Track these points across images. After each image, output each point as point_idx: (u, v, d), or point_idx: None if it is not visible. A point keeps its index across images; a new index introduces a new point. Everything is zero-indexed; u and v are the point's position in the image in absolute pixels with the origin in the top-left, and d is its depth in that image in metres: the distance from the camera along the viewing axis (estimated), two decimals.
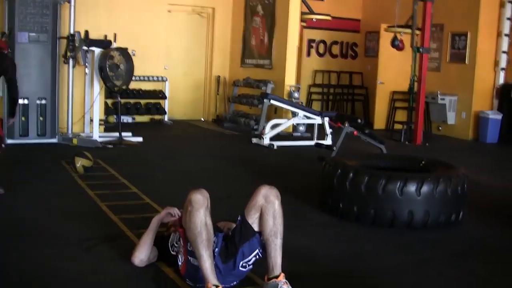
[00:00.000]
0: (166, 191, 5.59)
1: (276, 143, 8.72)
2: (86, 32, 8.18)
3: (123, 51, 8.37)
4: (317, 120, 9.33)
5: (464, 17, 10.53)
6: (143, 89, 11.04)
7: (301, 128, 10.03)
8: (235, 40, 11.91)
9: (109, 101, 10.23)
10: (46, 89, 8.06)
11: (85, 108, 8.66)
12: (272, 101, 9.47)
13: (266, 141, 8.77)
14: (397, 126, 10.99)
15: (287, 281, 3.13)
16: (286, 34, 10.33)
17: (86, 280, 3.34)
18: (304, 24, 11.35)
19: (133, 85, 10.30)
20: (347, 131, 7.73)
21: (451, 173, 4.80)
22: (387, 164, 5.32)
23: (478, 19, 10.27)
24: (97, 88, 8.39)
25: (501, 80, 10.57)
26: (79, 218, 4.57)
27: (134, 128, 9.47)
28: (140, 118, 10.99)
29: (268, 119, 9.68)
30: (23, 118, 7.93)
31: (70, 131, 8.36)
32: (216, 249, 3.22)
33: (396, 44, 10.56)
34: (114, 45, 8.73)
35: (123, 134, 8.45)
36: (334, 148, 7.62)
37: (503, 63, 10.52)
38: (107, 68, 8.08)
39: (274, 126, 9.09)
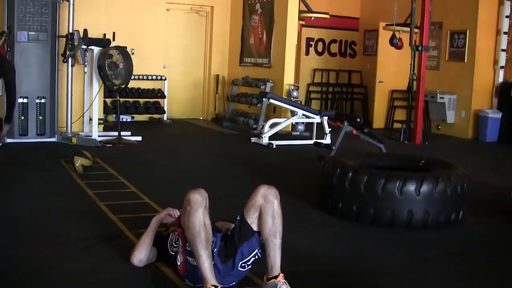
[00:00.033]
0: (165, 190, 5.58)
1: (275, 142, 8.71)
2: (85, 31, 8.16)
3: (122, 50, 8.36)
4: (316, 119, 9.33)
5: (463, 15, 10.52)
6: (142, 88, 11.04)
7: (300, 127, 10.03)
8: (233, 38, 11.90)
9: (108, 100, 10.23)
10: (45, 88, 8.06)
11: (84, 107, 8.65)
12: (271, 100, 9.46)
13: (265, 140, 8.77)
14: (396, 125, 10.98)
15: (286, 281, 3.13)
16: (284, 33, 10.32)
17: (85, 280, 3.34)
18: (302, 22, 11.33)
19: (132, 84, 10.30)
20: (346, 130, 7.73)
21: (451, 172, 4.80)
22: (387, 163, 5.31)
23: (477, 17, 10.26)
24: (96, 87, 8.38)
25: (500, 78, 10.56)
26: (79, 218, 4.56)
27: (133, 127, 9.46)
28: (139, 117, 10.99)
29: (267, 118, 9.69)
30: (22, 117, 7.93)
31: (69, 130, 8.35)
32: (215, 249, 3.22)
33: (395, 43, 10.56)
34: (113, 44, 8.73)
35: (122, 133, 8.44)
36: (333, 147, 7.62)
37: (502, 61, 10.51)
38: (106, 67, 8.07)
39: (273, 125, 9.09)
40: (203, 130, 10.71)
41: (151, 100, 11.14)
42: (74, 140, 8.04)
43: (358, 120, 8.03)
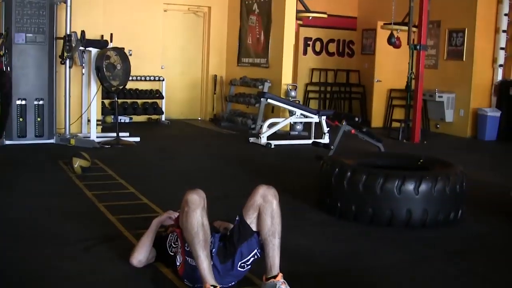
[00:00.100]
0: (164, 191, 5.58)
1: (274, 142, 8.71)
2: (83, 33, 8.15)
3: (120, 51, 8.36)
4: (314, 118, 9.33)
5: (461, 14, 10.52)
6: (140, 89, 11.04)
7: (299, 127, 10.03)
8: (231, 39, 11.90)
9: (106, 101, 10.23)
10: (43, 90, 8.05)
11: (82, 108, 8.64)
12: (269, 100, 9.46)
13: (263, 140, 8.77)
14: (395, 124, 10.98)
15: (285, 281, 3.12)
16: (282, 33, 10.32)
17: (85, 280, 3.33)
18: (300, 22, 11.33)
19: (130, 85, 10.29)
20: (345, 130, 7.73)
21: (450, 171, 4.79)
22: (385, 162, 5.30)
23: (476, 15, 10.26)
24: (94, 88, 8.38)
25: (499, 77, 10.57)
26: (77, 219, 4.56)
27: (132, 128, 9.46)
28: (137, 118, 10.98)
29: (265, 118, 9.68)
30: (21, 119, 7.93)
31: (67, 132, 8.34)
32: (214, 249, 3.22)
33: (393, 42, 10.56)
34: (111, 45, 8.72)
35: (121, 134, 8.44)
36: (332, 146, 7.62)
37: (501, 59, 10.51)
38: (104, 68, 8.07)
39: (271, 125, 9.08)
40: (201, 130, 10.70)
41: (149, 101, 11.13)
42: (72, 142, 8.04)
43: (357, 119, 8.02)
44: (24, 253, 3.63)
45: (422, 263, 3.93)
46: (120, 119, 9.89)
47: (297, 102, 10.30)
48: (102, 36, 8.92)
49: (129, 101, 10.90)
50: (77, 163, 6.18)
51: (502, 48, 10.48)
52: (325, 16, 11.04)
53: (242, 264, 3.26)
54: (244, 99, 10.90)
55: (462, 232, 4.66)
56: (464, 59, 10.51)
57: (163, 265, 3.53)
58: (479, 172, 6.84)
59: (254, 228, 3.27)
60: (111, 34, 9.16)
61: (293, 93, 10.21)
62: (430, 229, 4.58)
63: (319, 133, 9.17)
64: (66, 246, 3.85)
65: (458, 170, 4.84)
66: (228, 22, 11.95)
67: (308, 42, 12.70)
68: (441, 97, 10.61)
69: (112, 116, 9.68)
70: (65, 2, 8.16)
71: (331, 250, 4.14)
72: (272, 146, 8.62)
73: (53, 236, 4.09)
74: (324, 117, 9.20)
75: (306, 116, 9.43)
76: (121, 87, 8.44)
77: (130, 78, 8.70)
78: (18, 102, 7.84)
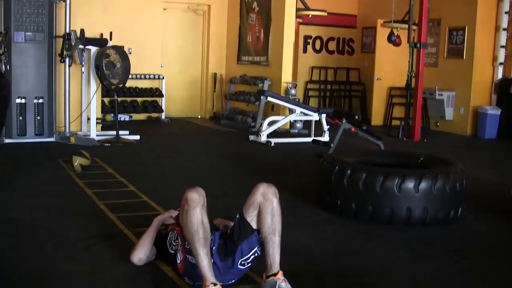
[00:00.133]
0: (164, 189, 5.58)
1: (274, 140, 8.71)
2: (82, 31, 8.15)
3: (119, 50, 8.35)
4: (314, 116, 9.33)
5: (461, 12, 10.51)
6: (140, 87, 11.03)
7: (299, 125, 10.02)
8: (231, 37, 11.89)
9: (106, 100, 10.23)
10: (43, 88, 8.04)
11: (82, 106, 8.64)
12: (269, 98, 9.46)
13: (263, 138, 8.76)
14: (395, 122, 10.99)
15: (285, 279, 3.12)
16: (282, 31, 10.31)
17: (85, 280, 3.32)
18: (300, 20, 11.32)
19: (130, 83, 10.28)
20: (345, 128, 7.72)
21: (450, 169, 4.79)
22: (385, 160, 5.30)
23: (476, 13, 10.25)
24: (94, 86, 8.38)
25: (499, 75, 10.56)
26: (78, 217, 4.56)
27: (131, 126, 9.45)
28: (137, 116, 10.98)
29: (265, 116, 9.68)
30: (20, 118, 7.92)
31: (67, 130, 8.34)
32: (214, 247, 3.21)
33: (393, 40, 10.55)
34: (110, 43, 8.71)
35: (120, 132, 8.43)
36: (332, 144, 7.62)
37: (501, 57, 10.50)
38: (104, 67, 8.07)
39: (271, 123, 9.08)
40: (201, 128, 10.70)
41: (149, 99, 11.13)
42: (72, 140, 8.03)
43: (357, 117, 8.02)
44: (25, 253, 3.61)
45: (422, 261, 3.93)
46: (120, 118, 9.89)
47: (297, 100, 10.29)
48: (101, 34, 8.91)
49: (129, 99, 10.90)
50: (77, 161, 6.17)
51: (502, 46, 10.47)
52: (325, 14, 11.03)
53: (243, 262, 3.26)
54: (244, 97, 10.89)
55: (462, 230, 4.66)
56: (464, 57, 10.50)
57: (163, 263, 3.53)
58: (479, 170, 6.84)
59: (254, 226, 3.27)
60: (111, 33, 9.14)
61: (293, 91, 10.21)
62: (430, 227, 4.58)
63: (319, 131, 9.16)
64: (66, 246, 3.84)
65: (458, 168, 4.84)
66: (228, 20, 11.94)
67: (308, 40, 12.69)
68: (441, 95, 10.60)
69: (112, 115, 9.67)
70: (65, 1, 8.15)
71: (331, 248, 4.14)
72: (272, 144, 8.61)
73: (53, 236, 4.08)
74: (324, 115, 9.19)
75: (306, 114, 9.42)
76: (120, 86, 8.44)
77: (130, 77, 8.70)
78: (18, 100, 7.83)
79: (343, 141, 7.69)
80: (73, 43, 8.15)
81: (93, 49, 8.31)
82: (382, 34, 11.20)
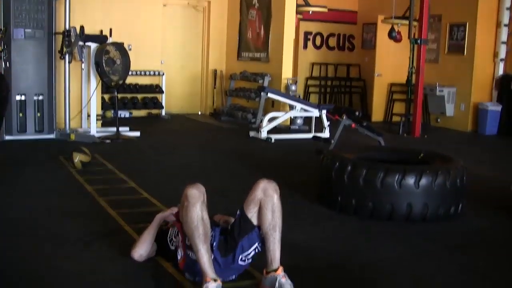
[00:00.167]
0: (164, 185, 5.57)
1: (274, 137, 8.70)
2: (82, 28, 8.14)
3: (119, 46, 8.34)
4: (314, 113, 9.32)
5: (462, 8, 10.49)
6: (140, 83, 11.02)
7: (299, 121, 10.02)
8: (231, 33, 11.87)
9: (106, 96, 10.22)
10: (43, 85, 8.04)
11: (82, 103, 8.63)
12: (270, 95, 9.45)
13: (263, 134, 8.76)
14: (395, 118, 10.97)
15: (285, 275, 3.12)
16: (282, 27, 10.29)
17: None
18: (300, 16, 11.31)
19: (130, 79, 10.28)
20: (345, 124, 7.72)
21: (450, 165, 4.79)
22: (386, 156, 5.29)
23: (477, 9, 10.23)
24: (94, 83, 8.37)
25: (500, 71, 10.54)
26: (78, 213, 4.57)
27: (132, 123, 9.44)
28: (137, 113, 10.97)
29: (265, 112, 9.67)
30: (20, 114, 7.92)
31: (67, 127, 8.34)
32: (214, 243, 3.22)
33: (394, 36, 10.54)
34: (110, 40, 8.70)
35: (121, 129, 8.43)
36: (332, 141, 7.61)
37: (502, 54, 10.48)
38: (104, 63, 8.06)
39: (272, 120, 9.07)
40: (202, 125, 10.69)
41: (149, 95, 11.12)
42: (72, 137, 8.03)
43: (357, 113, 8.01)
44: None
45: (423, 257, 3.93)
46: (120, 114, 9.88)
47: (298, 96, 10.28)
48: (101, 31, 8.91)
49: (129, 95, 10.89)
50: (77, 158, 6.17)
51: (503, 42, 10.45)
52: (326, 10, 11.02)
53: (243, 258, 3.26)
54: (244, 93, 10.88)
55: (462, 226, 4.65)
56: (465, 53, 10.48)
57: (163, 259, 3.53)
58: (479, 167, 6.84)
59: (255, 222, 3.27)
60: (110, 29, 9.14)
61: (293, 87, 10.19)
62: (430, 223, 4.58)
63: (320, 127, 9.16)
64: (66, 246, 3.80)
65: (458, 165, 4.83)
66: (228, 17, 11.92)
67: (309, 36, 12.67)
68: (442, 91, 10.59)
69: (112, 111, 9.66)
70: None
71: (331, 244, 4.14)
72: (273, 141, 8.61)
73: (53, 236, 4.04)
74: (324, 111, 9.18)
75: (306, 110, 9.41)
76: (120, 82, 8.43)
77: (130, 73, 8.70)
78: (18, 97, 7.84)
79: (343, 137, 7.68)
80: (72, 40, 8.14)
81: (93, 45, 8.30)
82: (382, 30, 11.18)
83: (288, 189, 5.06)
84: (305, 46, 12.66)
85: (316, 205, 5.04)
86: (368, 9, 12.60)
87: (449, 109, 10.69)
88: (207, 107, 12.02)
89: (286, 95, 9.73)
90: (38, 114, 8.02)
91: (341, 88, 12.92)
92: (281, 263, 3.18)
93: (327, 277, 3.48)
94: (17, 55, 7.84)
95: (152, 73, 11.10)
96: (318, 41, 12.79)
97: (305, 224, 4.55)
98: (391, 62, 11.54)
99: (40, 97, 8.01)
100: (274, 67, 10.50)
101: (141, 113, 11.03)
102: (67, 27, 8.17)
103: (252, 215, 3.27)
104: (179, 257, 3.32)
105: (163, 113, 11.13)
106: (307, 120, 9.78)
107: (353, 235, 4.38)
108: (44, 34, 7.99)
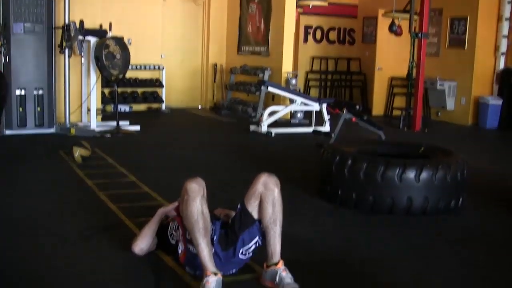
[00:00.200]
0: (164, 179, 5.57)
1: (274, 130, 8.69)
2: (81, 22, 8.12)
3: (119, 40, 8.32)
4: (315, 107, 9.30)
5: (463, 1, 10.45)
6: (140, 77, 11.01)
7: (299, 115, 10.01)
8: (231, 27, 11.85)
9: (106, 90, 10.20)
10: (42, 80, 8.03)
11: (82, 97, 8.62)
12: (270, 88, 9.44)
13: (264, 128, 8.75)
14: (396, 112, 10.97)
15: (286, 268, 3.13)
16: (282, 21, 10.27)
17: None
18: (300, 10, 11.28)
19: (130, 74, 10.26)
20: (346, 118, 7.71)
21: (451, 159, 4.78)
22: (386, 150, 5.29)
23: (478, 3, 10.19)
24: (94, 77, 8.36)
25: (501, 65, 10.52)
26: (78, 207, 4.57)
27: (132, 117, 9.43)
28: (137, 107, 10.96)
29: (265, 106, 9.66)
30: (20, 109, 7.91)
31: (67, 121, 8.33)
32: (215, 236, 3.22)
33: (394, 30, 10.50)
34: (110, 34, 8.68)
35: (121, 123, 8.42)
36: (333, 134, 7.60)
37: (503, 47, 10.45)
38: (103, 58, 8.04)
39: (272, 113, 9.06)
40: (202, 119, 10.69)
41: (149, 89, 11.11)
42: (72, 131, 8.02)
43: (357, 107, 8.00)
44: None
45: (423, 251, 3.93)
46: (120, 108, 9.86)
47: (298, 90, 10.27)
48: (101, 25, 8.87)
49: (129, 90, 10.88)
50: (78, 152, 6.16)
51: (504, 36, 10.42)
52: (326, 4, 11.00)
53: (244, 252, 3.27)
54: (244, 87, 10.87)
55: (463, 220, 4.65)
56: (466, 47, 10.45)
57: (164, 253, 3.53)
58: (480, 160, 6.83)
59: (255, 216, 3.27)
60: (110, 23, 9.10)
61: (293, 81, 10.18)
62: (431, 217, 4.58)
63: (320, 121, 9.15)
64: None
65: (459, 158, 4.83)
66: (228, 11, 11.89)
67: (309, 30, 12.64)
68: (442, 85, 10.58)
69: (112, 105, 9.65)
70: None
71: (331, 238, 4.14)
72: (273, 135, 8.60)
73: (53, 231, 4.02)
74: (324, 105, 9.17)
75: (306, 104, 9.40)
76: (120, 76, 8.42)
77: (130, 67, 8.68)
78: (18, 92, 7.83)
79: (343, 131, 7.67)
80: (72, 34, 8.12)
81: (93, 40, 8.28)
82: (383, 24, 11.15)
83: (288, 183, 5.05)
84: (306, 40, 12.63)
85: (316, 199, 5.04)
86: (368, 2, 12.55)
87: (450, 103, 10.68)
88: (207, 101, 12.00)
89: (287, 89, 9.71)
90: (38, 109, 8.01)
91: (341, 82, 12.90)
92: (282, 257, 3.18)
93: (327, 271, 3.48)
94: (16, 49, 7.82)
95: (152, 67, 11.09)
96: (318, 35, 12.75)
97: (305, 218, 4.55)
98: (391, 56, 11.51)
99: (40, 92, 8.01)
100: (274, 61, 10.48)
101: (141, 107, 11.02)
102: (66, 21, 8.15)
103: (252, 209, 3.27)
104: (179, 251, 3.32)
105: (163, 107, 11.12)
106: (308, 114, 9.77)
107: (353, 228, 4.38)
108: (43, 28, 7.97)
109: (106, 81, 8.97)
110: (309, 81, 12.57)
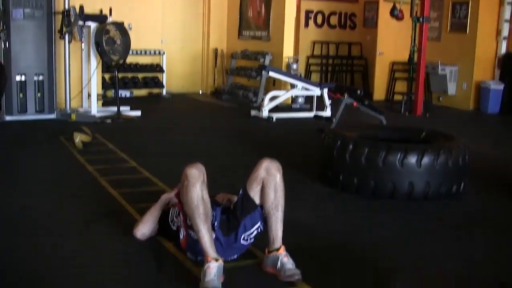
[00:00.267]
0: (165, 164, 5.56)
1: (275, 115, 8.67)
2: (81, 7, 8.07)
3: (119, 26, 8.27)
4: (316, 91, 9.27)
5: None
6: (141, 63, 10.97)
7: (300, 100, 9.98)
8: (232, 12, 11.78)
9: (107, 76, 10.16)
10: (43, 65, 8.00)
11: (82, 83, 8.59)
12: (271, 73, 9.40)
13: (265, 113, 8.73)
14: (397, 97, 10.93)
15: (287, 254, 3.13)
16: (283, 5, 10.21)
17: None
18: None
19: (130, 59, 10.21)
20: (347, 103, 7.68)
21: (452, 144, 4.77)
22: (387, 135, 5.28)
23: None
24: (94, 63, 8.32)
25: (503, 49, 10.46)
26: (79, 193, 4.58)
27: (132, 102, 9.40)
28: (138, 92, 10.93)
29: (266, 91, 9.63)
30: (21, 95, 7.89)
31: (68, 107, 8.31)
32: (216, 222, 3.21)
33: (396, 14, 10.43)
34: (110, 19, 8.63)
35: (121, 108, 8.40)
36: (334, 119, 7.59)
37: (505, 32, 10.38)
38: (104, 43, 8.00)
39: (273, 98, 9.03)
40: (203, 104, 10.66)
41: (150, 74, 11.07)
42: (73, 117, 8.01)
43: (359, 92, 7.98)
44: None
45: (424, 236, 3.93)
46: (121, 94, 9.83)
47: (299, 75, 10.23)
48: (101, 10, 8.82)
49: (129, 75, 10.84)
50: (78, 138, 6.16)
51: (506, 21, 10.34)
52: None
53: (246, 237, 3.27)
54: (245, 72, 10.83)
55: (464, 205, 4.65)
56: (467, 32, 10.38)
57: (165, 239, 3.53)
58: (481, 145, 6.81)
59: (257, 201, 3.27)
60: (110, 8, 9.03)
61: (294, 66, 10.14)
62: (432, 202, 4.58)
63: (321, 106, 9.12)
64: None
65: (460, 143, 4.82)
66: None
67: (310, 15, 12.55)
68: (444, 70, 10.53)
69: (113, 91, 9.63)
70: None
71: (333, 223, 4.14)
72: (274, 120, 8.58)
73: (54, 215, 4.03)
74: (326, 90, 9.14)
75: (307, 89, 9.37)
76: (121, 62, 8.38)
77: (130, 52, 8.63)
78: (18, 77, 7.80)
79: (345, 116, 7.65)
80: (72, 20, 8.07)
81: (93, 25, 8.23)
82: (384, 8, 11.08)
83: (290, 168, 5.01)
84: (306, 25, 12.55)
85: (318, 184, 5.04)
86: None
87: (451, 88, 10.63)
88: (208, 86, 11.97)
89: (287, 73, 9.67)
90: (39, 94, 7.99)
91: (342, 67, 12.85)
92: (283, 242, 3.19)
93: (329, 256, 3.49)
94: (16, 35, 7.78)
95: (152, 52, 11.04)
96: (319, 19, 12.67)
97: (307, 203, 4.55)
98: (393, 40, 11.45)
99: (40, 77, 7.98)
100: (275, 45, 10.43)
101: (142, 92, 10.99)
102: (66, 6, 8.10)
103: (254, 194, 3.27)
104: (181, 237, 3.32)
105: (164, 92, 11.09)
106: (309, 99, 9.74)
107: (354, 214, 4.39)
108: (43, 14, 7.92)
109: (106, 67, 8.93)
110: (310, 66, 12.51)
